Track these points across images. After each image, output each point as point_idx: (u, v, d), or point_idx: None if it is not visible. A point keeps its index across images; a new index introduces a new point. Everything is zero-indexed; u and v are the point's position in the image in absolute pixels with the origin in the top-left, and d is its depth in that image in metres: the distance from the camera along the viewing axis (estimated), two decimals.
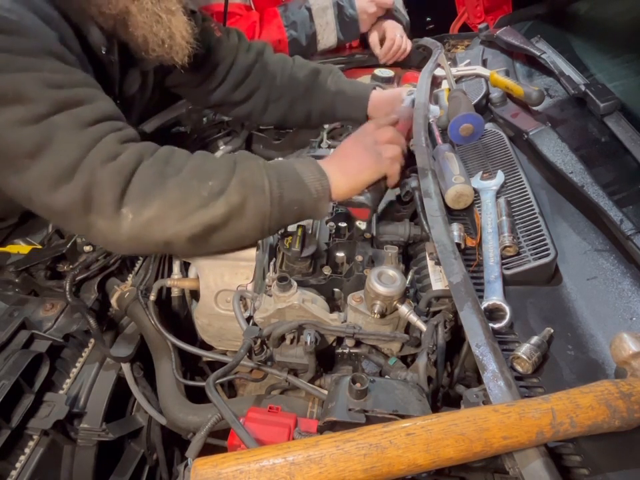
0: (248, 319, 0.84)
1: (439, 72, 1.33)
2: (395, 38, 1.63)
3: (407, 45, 1.67)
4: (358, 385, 0.61)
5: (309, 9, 1.60)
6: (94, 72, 0.90)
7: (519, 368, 0.62)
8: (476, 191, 0.88)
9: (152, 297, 0.94)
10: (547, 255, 0.72)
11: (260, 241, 0.89)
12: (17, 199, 0.77)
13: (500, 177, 0.89)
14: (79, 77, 0.78)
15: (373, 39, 1.68)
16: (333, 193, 0.84)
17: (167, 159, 0.77)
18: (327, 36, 1.65)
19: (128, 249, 0.83)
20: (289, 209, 0.80)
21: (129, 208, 0.72)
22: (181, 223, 0.74)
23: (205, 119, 1.51)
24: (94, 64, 0.90)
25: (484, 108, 1.14)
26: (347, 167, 0.86)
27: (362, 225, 0.97)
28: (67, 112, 0.72)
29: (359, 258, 0.88)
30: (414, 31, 1.79)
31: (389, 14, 1.71)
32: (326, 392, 0.75)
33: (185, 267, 1.00)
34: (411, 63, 1.73)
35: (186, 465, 0.59)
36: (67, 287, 0.90)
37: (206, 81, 1.22)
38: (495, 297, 0.69)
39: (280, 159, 0.91)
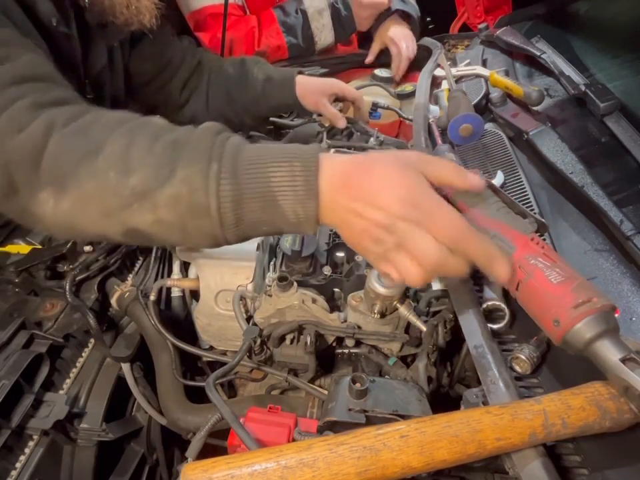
0: (248, 319, 0.84)
1: (438, 72, 1.33)
2: (401, 52, 1.58)
3: (413, 51, 1.60)
4: (358, 385, 0.61)
5: (304, 12, 1.60)
6: (49, 48, 0.83)
7: (518, 368, 0.62)
8: None
9: (152, 297, 0.94)
10: None
11: (260, 241, 0.89)
12: None
13: (500, 177, 0.89)
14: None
15: (374, 47, 1.66)
16: (322, 219, 0.57)
17: (83, 131, 0.60)
18: (324, 37, 1.64)
19: (65, 237, 0.79)
20: (253, 229, 0.59)
21: (48, 192, 0.59)
22: (104, 220, 0.60)
23: None
24: (46, 38, 0.82)
25: (484, 108, 1.14)
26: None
27: None
28: None
29: (359, 258, 0.88)
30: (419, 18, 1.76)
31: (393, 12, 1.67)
32: (326, 392, 0.75)
33: (185, 267, 1.00)
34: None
35: None
36: (67, 287, 0.90)
37: (157, 77, 1.20)
38: (494, 297, 0.69)
39: (273, 145, 0.66)
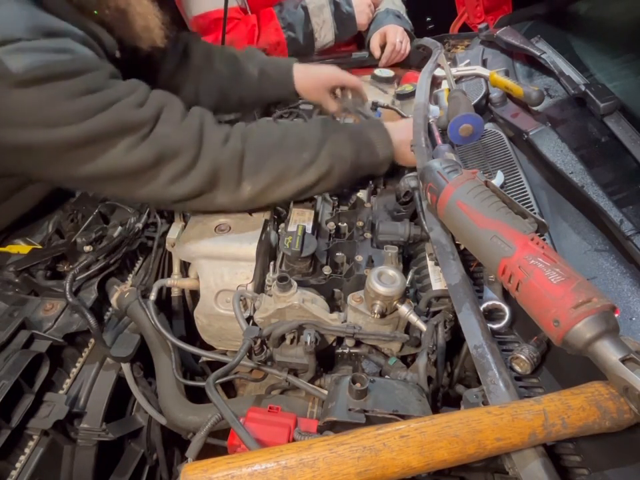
0: (248, 319, 0.84)
1: (438, 72, 1.33)
2: (395, 43, 1.64)
3: (406, 48, 1.68)
4: (358, 385, 0.61)
5: (305, 8, 1.61)
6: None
7: (518, 368, 0.62)
8: None
9: (152, 297, 0.94)
10: None
11: (260, 241, 0.89)
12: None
13: (500, 177, 0.89)
14: (133, 83, 0.83)
15: (374, 42, 1.68)
16: (395, 156, 1.01)
17: (267, 133, 0.90)
18: (325, 34, 1.65)
19: (242, 211, 0.97)
20: (361, 171, 0.99)
21: (247, 181, 0.87)
22: (284, 189, 0.90)
23: None
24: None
25: (484, 108, 1.14)
26: (405, 148, 1.01)
27: (361, 224, 0.97)
28: (161, 121, 0.82)
29: (359, 258, 0.88)
30: (414, 31, 1.79)
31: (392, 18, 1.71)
32: (326, 392, 0.75)
33: (185, 266, 1.00)
34: (410, 63, 1.73)
35: None
36: (67, 287, 0.90)
37: (147, 72, 1.15)
38: (494, 297, 0.69)
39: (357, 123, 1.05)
